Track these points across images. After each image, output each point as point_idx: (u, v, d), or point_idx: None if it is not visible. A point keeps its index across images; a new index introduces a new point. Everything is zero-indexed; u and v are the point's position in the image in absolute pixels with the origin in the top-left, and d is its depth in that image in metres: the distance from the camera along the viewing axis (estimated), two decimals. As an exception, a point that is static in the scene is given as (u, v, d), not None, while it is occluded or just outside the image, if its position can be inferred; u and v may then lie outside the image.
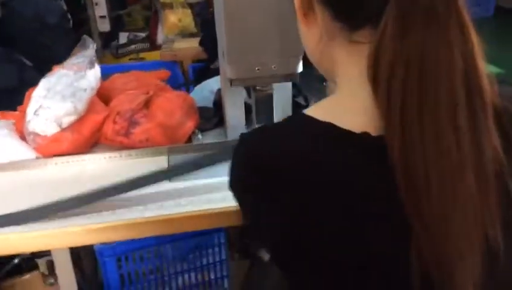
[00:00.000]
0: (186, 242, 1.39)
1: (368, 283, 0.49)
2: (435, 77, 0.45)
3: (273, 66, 0.87)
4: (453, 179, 0.45)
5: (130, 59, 2.57)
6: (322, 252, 0.49)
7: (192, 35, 2.34)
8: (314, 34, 0.56)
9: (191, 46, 2.16)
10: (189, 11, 2.40)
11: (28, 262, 1.45)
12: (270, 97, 0.96)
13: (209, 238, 1.41)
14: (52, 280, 1.44)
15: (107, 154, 1.03)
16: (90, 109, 1.05)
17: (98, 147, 1.08)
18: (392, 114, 0.46)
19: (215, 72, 1.22)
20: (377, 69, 0.47)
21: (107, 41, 2.73)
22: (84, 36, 1.15)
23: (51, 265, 1.40)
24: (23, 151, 1.03)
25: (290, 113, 1.06)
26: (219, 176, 0.93)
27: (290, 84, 1.05)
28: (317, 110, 0.53)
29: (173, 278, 1.41)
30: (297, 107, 1.12)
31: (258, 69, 0.87)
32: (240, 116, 1.04)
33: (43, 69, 1.18)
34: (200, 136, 1.10)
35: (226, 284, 1.48)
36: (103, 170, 0.99)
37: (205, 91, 1.29)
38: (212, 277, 1.45)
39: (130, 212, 0.85)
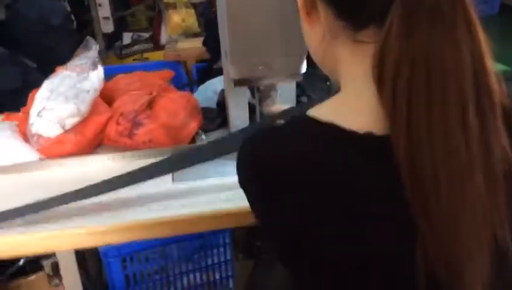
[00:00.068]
0: (191, 242, 1.39)
1: (368, 283, 0.49)
2: (442, 76, 0.45)
3: (276, 66, 0.87)
4: (461, 179, 0.45)
5: (134, 59, 2.58)
6: (322, 252, 0.49)
7: (195, 35, 2.34)
8: (317, 33, 0.56)
9: (194, 46, 2.16)
10: (192, 11, 2.40)
11: (33, 263, 1.46)
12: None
13: (214, 239, 1.41)
14: (57, 281, 1.44)
15: (111, 156, 1.03)
16: (93, 110, 1.05)
17: (102, 148, 1.07)
18: (398, 113, 0.46)
19: (219, 72, 1.22)
20: (382, 68, 0.47)
21: (111, 42, 2.74)
22: (87, 37, 1.15)
23: (55, 266, 1.41)
24: (27, 153, 1.03)
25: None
26: (223, 176, 0.93)
27: (293, 84, 1.04)
28: (321, 110, 0.53)
29: (178, 279, 1.41)
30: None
31: (261, 69, 0.87)
32: (244, 116, 1.04)
33: (46, 70, 1.18)
34: (203, 136, 1.10)
35: (231, 284, 1.47)
36: (106, 171, 0.98)
37: (209, 91, 1.29)
38: (217, 277, 1.45)
39: (134, 214, 0.85)
